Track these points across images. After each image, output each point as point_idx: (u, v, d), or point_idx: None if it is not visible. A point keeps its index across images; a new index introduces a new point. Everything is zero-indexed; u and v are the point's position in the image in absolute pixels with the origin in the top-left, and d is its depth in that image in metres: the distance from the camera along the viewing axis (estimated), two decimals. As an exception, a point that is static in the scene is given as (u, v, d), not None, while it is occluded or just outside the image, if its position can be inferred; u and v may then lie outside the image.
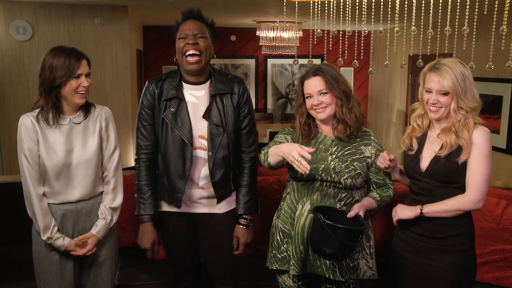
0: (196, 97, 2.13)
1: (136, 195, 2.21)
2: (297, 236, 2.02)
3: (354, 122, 2.03)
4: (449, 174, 1.91)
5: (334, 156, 2.03)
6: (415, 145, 2.02)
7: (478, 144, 1.86)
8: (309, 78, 2.03)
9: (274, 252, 2.14)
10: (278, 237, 2.13)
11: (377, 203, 2.06)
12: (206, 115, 2.11)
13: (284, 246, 2.11)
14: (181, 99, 2.10)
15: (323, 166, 2.01)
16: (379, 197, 2.08)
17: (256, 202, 2.27)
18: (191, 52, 2.04)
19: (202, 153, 2.13)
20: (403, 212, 1.97)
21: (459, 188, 1.92)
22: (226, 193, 2.20)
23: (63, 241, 2.06)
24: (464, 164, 1.88)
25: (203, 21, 2.13)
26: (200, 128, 2.12)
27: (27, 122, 2.01)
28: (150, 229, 2.19)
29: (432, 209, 1.91)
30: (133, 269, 2.76)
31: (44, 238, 2.03)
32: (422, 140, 2.02)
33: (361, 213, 1.95)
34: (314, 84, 2.01)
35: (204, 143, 2.12)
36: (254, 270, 2.71)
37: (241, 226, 2.22)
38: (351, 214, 1.93)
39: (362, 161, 2.04)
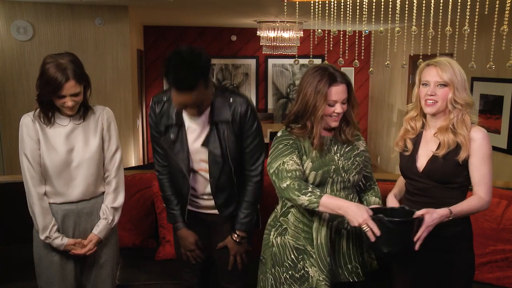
0: (196, 123, 2.07)
1: (164, 205, 2.26)
2: (321, 248, 1.92)
3: (354, 128, 2.01)
4: (447, 175, 1.90)
5: (339, 155, 1.98)
6: (410, 146, 2.01)
7: (481, 145, 1.87)
8: (337, 84, 1.89)
9: (290, 272, 1.98)
10: (292, 256, 1.98)
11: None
12: (206, 143, 2.06)
13: (301, 263, 1.97)
14: (180, 126, 2.06)
15: (334, 167, 1.95)
16: (379, 200, 2.06)
17: (254, 219, 2.22)
18: (192, 112, 1.97)
19: (205, 174, 2.13)
20: (434, 222, 1.79)
21: (456, 188, 1.92)
22: (232, 211, 2.19)
23: (61, 241, 2.06)
24: (463, 164, 1.88)
25: (198, 88, 1.88)
26: (201, 152, 2.09)
27: (28, 122, 2.02)
28: (188, 232, 2.21)
29: (459, 209, 1.84)
30: (133, 269, 2.76)
31: (42, 238, 2.04)
32: (417, 140, 2.02)
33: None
34: (342, 92, 1.90)
35: (206, 166, 2.11)
36: (255, 269, 2.71)
37: (232, 240, 2.18)
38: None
39: (361, 155, 2.03)
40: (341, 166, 1.97)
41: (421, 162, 1.96)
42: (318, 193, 1.82)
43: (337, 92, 1.88)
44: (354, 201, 2.00)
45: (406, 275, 2.04)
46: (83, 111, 2.10)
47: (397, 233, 1.75)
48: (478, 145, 1.87)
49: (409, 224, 1.76)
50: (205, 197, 2.17)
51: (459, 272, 1.94)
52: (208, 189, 2.14)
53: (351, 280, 1.99)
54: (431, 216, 1.77)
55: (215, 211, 2.20)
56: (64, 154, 2.03)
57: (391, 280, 2.12)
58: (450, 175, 1.90)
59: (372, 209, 1.82)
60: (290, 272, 1.98)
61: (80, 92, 2.00)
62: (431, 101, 1.91)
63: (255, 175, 2.16)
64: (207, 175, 2.12)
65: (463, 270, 1.96)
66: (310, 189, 1.83)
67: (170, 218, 2.23)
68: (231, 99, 2.05)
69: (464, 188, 1.93)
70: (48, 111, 2.02)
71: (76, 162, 2.05)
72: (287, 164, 1.90)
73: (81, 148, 2.07)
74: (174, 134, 2.06)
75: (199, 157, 2.10)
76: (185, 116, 2.06)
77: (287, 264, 1.99)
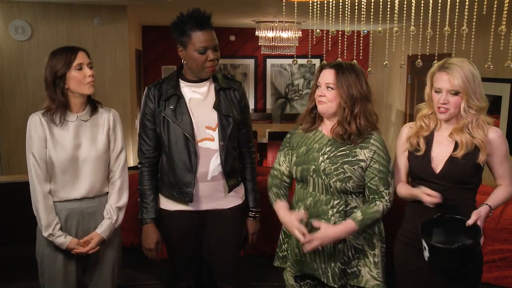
0: (199, 93, 2.19)
1: (139, 199, 2.25)
2: (293, 237, 2.02)
3: (353, 130, 1.91)
4: (466, 176, 1.90)
5: (326, 156, 1.96)
6: (422, 146, 1.97)
7: (501, 144, 1.91)
8: (326, 68, 1.98)
9: (277, 249, 2.18)
10: (281, 236, 2.16)
11: (359, 223, 1.89)
12: (216, 106, 2.16)
13: (285, 245, 2.13)
14: (179, 97, 2.16)
15: (314, 167, 1.96)
16: (361, 215, 1.91)
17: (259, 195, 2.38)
18: (212, 64, 2.12)
19: (210, 144, 2.15)
20: (483, 222, 1.85)
21: (471, 189, 1.92)
22: (235, 183, 2.24)
23: (64, 239, 2.06)
24: (480, 165, 1.89)
25: (212, 25, 2.13)
26: (207, 119, 2.16)
27: (35, 120, 2.04)
28: (153, 230, 2.23)
29: (495, 202, 1.91)
30: (133, 269, 2.76)
31: (45, 235, 2.04)
32: (429, 141, 1.99)
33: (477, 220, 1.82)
34: (325, 77, 1.96)
35: (212, 133, 2.15)
36: (254, 269, 2.71)
37: (251, 218, 2.34)
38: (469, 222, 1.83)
39: (353, 164, 1.92)
40: (322, 168, 1.94)
41: (437, 163, 1.94)
42: (272, 199, 2.10)
43: (323, 75, 1.97)
44: (339, 208, 1.95)
45: (414, 281, 2.01)
46: (90, 107, 2.12)
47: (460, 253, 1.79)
48: (498, 144, 1.91)
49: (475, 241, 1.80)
50: (209, 176, 2.16)
51: (467, 273, 1.92)
52: (214, 163, 2.15)
53: (323, 280, 1.98)
54: (481, 218, 1.83)
55: (215, 206, 2.21)
56: (71, 150, 2.05)
57: (395, 281, 2.11)
58: (468, 176, 1.90)
59: (424, 225, 1.84)
60: (277, 250, 2.18)
61: (92, 65, 2.08)
62: (444, 108, 1.90)
63: (253, 151, 2.37)
64: (213, 145, 2.15)
65: (471, 270, 1.94)
66: (270, 193, 2.12)
67: (142, 212, 2.23)
68: (228, 75, 2.31)
69: (476, 188, 1.95)
70: (61, 105, 2.03)
71: (83, 157, 2.07)
72: (276, 162, 2.16)
73: (88, 145, 2.09)
74: (173, 104, 2.14)
75: (205, 124, 2.15)
76: (188, 89, 2.19)
77: (279, 242, 2.18)
